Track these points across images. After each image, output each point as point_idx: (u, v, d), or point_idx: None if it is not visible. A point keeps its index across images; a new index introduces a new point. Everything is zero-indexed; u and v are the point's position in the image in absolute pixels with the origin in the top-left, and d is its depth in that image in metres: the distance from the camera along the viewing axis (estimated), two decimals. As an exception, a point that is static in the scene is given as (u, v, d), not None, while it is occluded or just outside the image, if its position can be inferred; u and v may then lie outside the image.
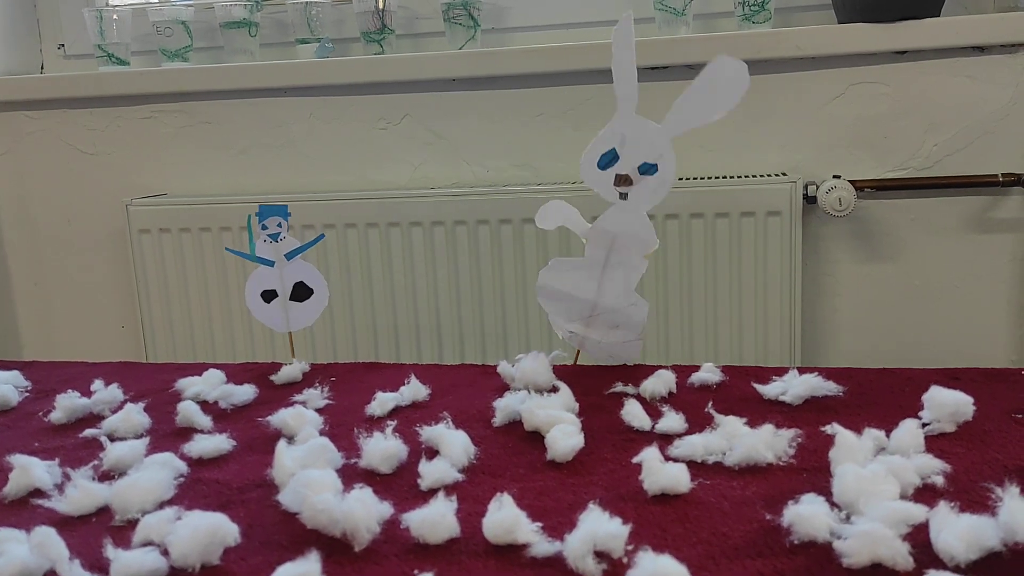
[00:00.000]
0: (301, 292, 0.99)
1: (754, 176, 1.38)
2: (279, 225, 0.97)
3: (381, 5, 1.50)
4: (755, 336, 1.37)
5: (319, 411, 0.81)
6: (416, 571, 0.53)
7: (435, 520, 0.57)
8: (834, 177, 1.37)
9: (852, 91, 1.39)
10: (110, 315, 1.69)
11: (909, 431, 0.66)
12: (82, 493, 0.63)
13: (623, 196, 0.85)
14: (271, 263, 0.98)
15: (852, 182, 1.35)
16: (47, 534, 0.55)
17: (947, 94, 1.37)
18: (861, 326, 1.45)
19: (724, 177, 1.39)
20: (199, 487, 0.67)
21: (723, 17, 1.49)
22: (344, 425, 0.78)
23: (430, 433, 0.72)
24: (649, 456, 0.63)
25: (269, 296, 0.99)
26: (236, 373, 0.94)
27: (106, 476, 0.69)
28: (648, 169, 0.83)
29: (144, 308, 1.55)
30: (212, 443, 0.73)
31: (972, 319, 1.42)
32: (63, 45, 1.74)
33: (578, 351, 0.93)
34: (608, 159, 0.84)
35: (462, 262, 1.44)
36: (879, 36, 1.34)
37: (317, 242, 1.04)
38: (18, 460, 0.68)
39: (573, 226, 0.90)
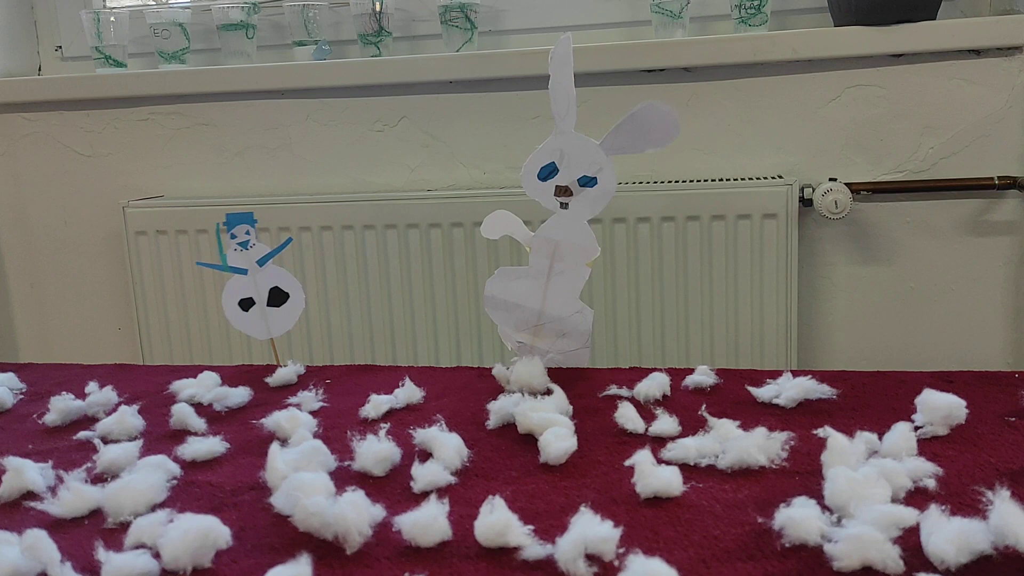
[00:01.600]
0: (277, 297, 0.99)
1: (750, 179, 1.38)
2: (247, 232, 0.97)
3: (378, 7, 1.51)
4: (751, 338, 1.38)
5: (313, 413, 0.81)
6: (407, 574, 0.53)
7: (427, 523, 0.57)
8: (830, 180, 1.37)
9: (848, 94, 1.40)
10: (107, 317, 1.69)
11: (901, 434, 0.66)
12: (75, 495, 0.63)
13: (564, 206, 0.89)
14: (244, 271, 0.98)
15: (848, 185, 1.35)
16: (38, 536, 0.55)
17: (943, 97, 1.37)
18: (857, 328, 1.45)
19: (720, 180, 1.39)
20: (192, 489, 0.67)
21: (720, 20, 1.49)
22: (338, 428, 0.78)
23: (423, 436, 0.72)
24: (641, 459, 0.63)
25: (247, 304, 0.99)
26: (231, 375, 0.94)
27: (99, 478, 0.69)
28: (588, 182, 0.87)
29: (140, 310, 1.55)
30: (205, 445, 0.73)
31: (967, 322, 1.42)
32: (60, 47, 1.74)
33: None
34: (547, 171, 0.88)
35: (458, 264, 1.44)
36: (875, 39, 1.34)
37: (286, 246, 1.05)
38: (11, 462, 0.68)
39: (517, 235, 0.93)
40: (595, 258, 0.89)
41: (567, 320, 0.90)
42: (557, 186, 0.88)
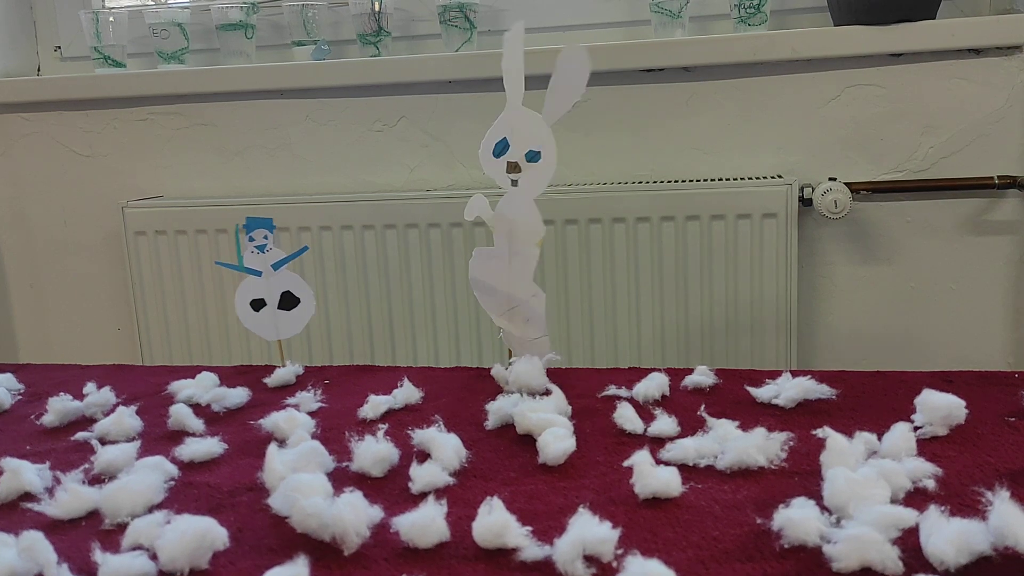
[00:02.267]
0: (288, 301, 1.00)
1: (750, 178, 1.38)
2: (265, 237, 0.98)
3: (377, 7, 1.50)
4: (751, 338, 1.37)
5: (312, 414, 0.81)
6: (405, 575, 0.53)
7: (425, 524, 0.56)
8: (830, 179, 1.37)
9: (848, 93, 1.39)
10: (106, 317, 1.69)
11: (901, 434, 0.66)
12: (72, 497, 0.63)
13: (514, 183, 0.91)
14: (259, 273, 0.99)
15: (848, 184, 1.35)
16: (35, 538, 0.54)
17: (943, 96, 1.37)
18: (857, 328, 1.45)
19: (720, 179, 1.39)
20: (190, 491, 0.67)
21: (719, 19, 1.49)
22: (336, 428, 0.78)
23: (422, 436, 0.72)
24: (640, 460, 0.63)
25: (258, 305, 1.00)
26: (229, 376, 0.94)
27: (97, 479, 0.69)
28: (533, 156, 0.89)
29: (140, 310, 1.55)
30: (203, 446, 0.73)
31: (968, 321, 1.42)
32: (60, 47, 1.74)
33: (510, 352, 0.95)
34: (501, 148, 0.91)
35: (458, 264, 1.44)
36: (875, 38, 1.34)
37: (302, 253, 1.06)
38: (9, 463, 0.68)
39: (485, 216, 0.95)
40: (542, 238, 0.91)
41: (526, 304, 0.92)
42: (508, 162, 0.90)
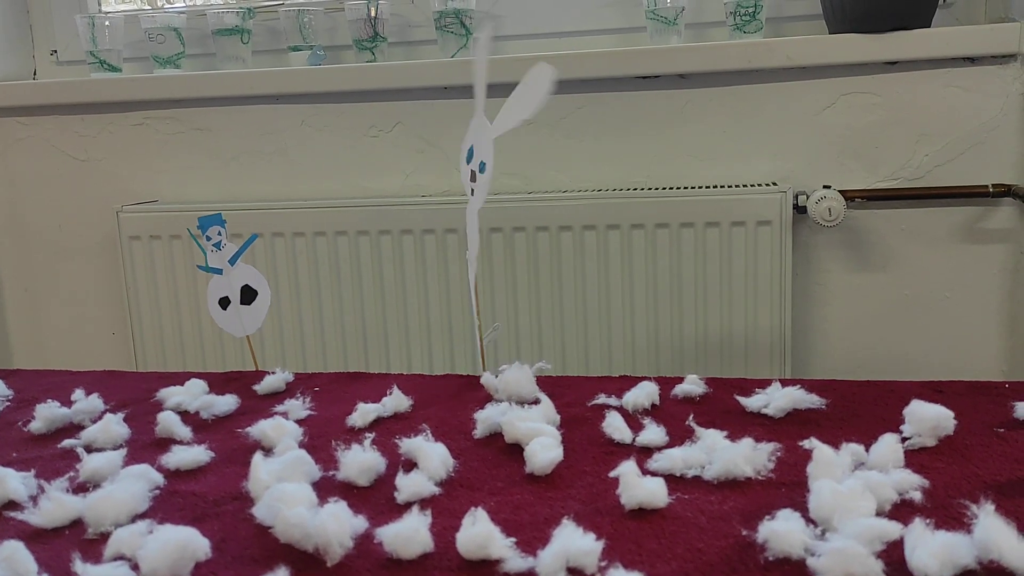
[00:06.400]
0: (249, 295, 1.00)
1: (744, 186, 1.38)
2: (219, 233, 0.98)
3: (373, 13, 1.50)
4: (745, 346, 1.37)
5: (300, 422, 0.81)
6: (387, 587, 0.53)
7: (408, 535, 0.56)
8: (824, 187, 1.37)
9: (843, 101, 1.39)
10: (101, 322, 1.69)
11: (888, 446, 0.65)
12: (55, 505, 0.63)
13: (472, 192, 0.93)
14: (219, 271, 0.99)
15: (842, 192, 1.35)
16: (15, 548, 0.54)
17: (938, 104, 1.37)
18: (851, 336, 1.44)
19: (714, 187, 1.39)
20: (174, 499, 0.67)
21: (714, 27, 1.49)
22: (324, 437, 0.77)
23: (409, 445, 0.71)
24: (627, 470, 0.63)
25: (225, 303, 1.01)
26: (219, 383, 0.94)
27: (82, 488, 0.68)
28: (482, 168, 0.91)
29: (134, 315, 1.55)
30: (190, 454, 0.73)
31: (962, 330, 1.41)
32: (56, 51, 1.74)
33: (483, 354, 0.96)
34: (470, 155, 0.92)
35: (452, 270, 1.43)
36: (870, 46, 1.34)
37: (252, 242, 1.06)
38: (-7, 471, 0.68)
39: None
40: (474, 253, 0.94)
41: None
42: (472, 171, 0.92)
